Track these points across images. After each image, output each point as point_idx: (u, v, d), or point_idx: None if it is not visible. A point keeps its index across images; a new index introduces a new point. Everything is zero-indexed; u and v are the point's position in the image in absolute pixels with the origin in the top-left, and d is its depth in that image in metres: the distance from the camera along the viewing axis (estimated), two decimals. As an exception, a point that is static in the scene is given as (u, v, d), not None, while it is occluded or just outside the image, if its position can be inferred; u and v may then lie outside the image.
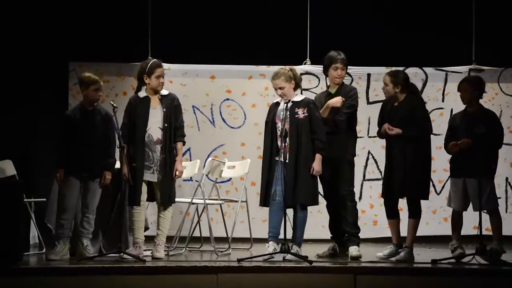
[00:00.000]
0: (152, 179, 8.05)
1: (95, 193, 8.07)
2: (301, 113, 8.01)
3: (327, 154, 8.10)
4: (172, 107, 8.06)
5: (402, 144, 8.06)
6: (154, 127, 8.03)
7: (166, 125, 8.01)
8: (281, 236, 7.82)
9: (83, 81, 8.09)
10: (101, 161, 8.05)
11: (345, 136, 8.25)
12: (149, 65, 8.07)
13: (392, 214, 8.21)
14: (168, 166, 8.01)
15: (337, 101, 8.18)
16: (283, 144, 7.86)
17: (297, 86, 8.16)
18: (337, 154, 8.17)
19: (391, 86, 8.15)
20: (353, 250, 8.10)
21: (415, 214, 8.12)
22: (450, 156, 8.25)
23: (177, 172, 8.03)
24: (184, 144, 8.14)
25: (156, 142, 8.02)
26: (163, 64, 8.17)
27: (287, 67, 8.16)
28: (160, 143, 8.01)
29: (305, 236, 8.14)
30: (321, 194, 8.83)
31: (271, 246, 7.96)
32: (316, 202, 8.15)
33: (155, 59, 8.22)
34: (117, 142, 7.91)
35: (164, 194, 8.06)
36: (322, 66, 8.56)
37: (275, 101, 8.23)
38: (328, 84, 8.53)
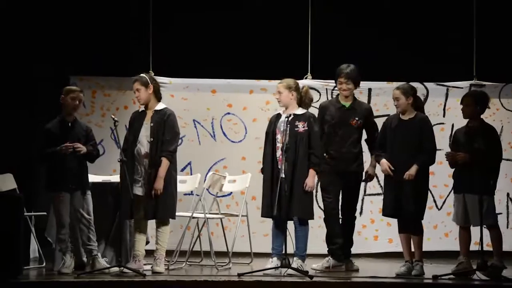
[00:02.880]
0: (139, 193, 8.00)
1: (90, 206, 8.10)
2: (301, 126, 8.02)
3: (341, 168, 8.22)
4: (161, 121, 8.02)
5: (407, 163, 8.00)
6: (143, 141, 8.02)
7: (151, 139, 7.98)
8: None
9: (64, 90, 8.16)
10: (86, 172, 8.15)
11: (357, 151, 8.37)
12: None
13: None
14: (153, 181, 7.94)
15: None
16: (282, 157, 7.88)
17: (301, 102, 8.14)
18: (352, 168, 8.28)
19: (403, 99, 8.07)
20: (353, 263, 8.27)
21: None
22: (451, 171, 8.23)
23: (153, 190, 7.91)
24: (169, 160, 7.95)
25: (144, 156, 8.00)
26: (164, 78, 8.15)
27: (295, 81, 8.25)
28: (147, 157, 7.98)
29: (307, 251, 8.11)
30: (320, 208, 8.80)
31: (274, 262, 7.97)
32: (311, 216, 8.12)
33: (141, 75, 8.19)
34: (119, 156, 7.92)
35: (147, 209, 7.96)
36: (322, 80, 8.57)
37: (277, 112, 8.26)
38: (337, 93, 8.55)
